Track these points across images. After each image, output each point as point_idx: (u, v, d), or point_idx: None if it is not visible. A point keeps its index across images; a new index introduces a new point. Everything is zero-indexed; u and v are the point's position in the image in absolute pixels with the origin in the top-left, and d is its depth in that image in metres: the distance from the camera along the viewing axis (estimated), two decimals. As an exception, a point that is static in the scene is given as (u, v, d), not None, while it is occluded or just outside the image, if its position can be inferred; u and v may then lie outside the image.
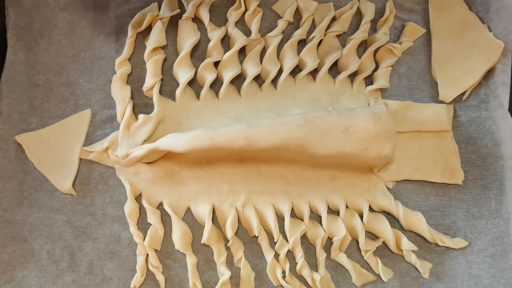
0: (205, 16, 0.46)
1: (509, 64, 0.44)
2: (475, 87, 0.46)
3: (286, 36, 0.47)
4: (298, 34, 0.46)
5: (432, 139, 0.45)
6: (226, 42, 0.46)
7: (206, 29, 0.46)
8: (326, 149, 0.39)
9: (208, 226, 0.41)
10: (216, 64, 0.45)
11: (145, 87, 0.44)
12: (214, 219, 0.42)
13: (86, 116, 0.44)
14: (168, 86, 0.45)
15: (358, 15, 0.48)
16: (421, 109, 0.45)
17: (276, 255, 0.42)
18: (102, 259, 0.41)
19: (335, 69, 0.46)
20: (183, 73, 0.44)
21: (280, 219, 0.43)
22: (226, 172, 0.43)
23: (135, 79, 0.45)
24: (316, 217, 0.43)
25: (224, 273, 0.41)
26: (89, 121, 0.44)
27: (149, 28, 0.46)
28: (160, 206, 0.42)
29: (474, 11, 0.47)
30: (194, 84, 0.45)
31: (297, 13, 0.47)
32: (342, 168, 0.43)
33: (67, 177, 0.42)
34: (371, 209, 0.43)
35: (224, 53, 0.45)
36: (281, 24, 0.46)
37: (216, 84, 0.45)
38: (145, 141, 0.42)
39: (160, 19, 0.45)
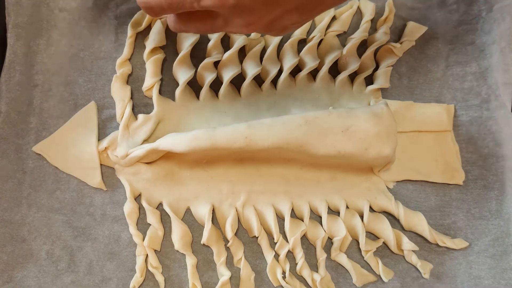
0: (205, 15, 0.46)
1: None
2: (476, 86, 0.45)
3: (286, 35, 0.47)
4: (298, 33, 0.46)
5: (433, 139, 0.45)
6: (226, 41, 0.46)
7: (206, 29, 0.46)
8: (326, 149, 0.39)
9: (208, 226, 0.41)
10: (216, 64, 0.45)
11: (144, 87, 0.44)
12: (214, 219, 0.42)
13: (92, 108, 0.44)
14: (167, 86, 0.45)
15: (359, 14, 0.48)
16: (421, 109, 0.45)
17: (276, 256, 0.41)
18: (102, 259, 0.41)
19: (335, 69, 0.46)
20: (182, 73, 0.44)
21: (280, 219, 0.42)
22: (226, 172, 0.43)
23: (134, 79, 0.45)
24: (316, 217, 0.43)
25: (224, 274, 0.40)
26: (97, 112, 0.44)
27: (148, 28, 0.45)
28: (159, 206, 0.42)
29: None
30: (194, 84, 0.45)
31: (297, 13, 0.47)
32: (342, 168, 0.43)
33: (93, 171, 0.42)
34: (371, 209, 0.43)
35: (224, 53, 0.45)
36: (281, 24, 0.46)
37: (216, 84, 0.45)
38: (145, 141, 0.42)
39: (160, 18, 0.45)
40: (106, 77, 0.45)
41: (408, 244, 0.41)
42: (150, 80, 0.44)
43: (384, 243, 0.42)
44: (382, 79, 0.45)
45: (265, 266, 0.41)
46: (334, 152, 0.39)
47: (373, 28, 0.47)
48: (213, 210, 0.42)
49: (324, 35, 0.46)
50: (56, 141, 0.43)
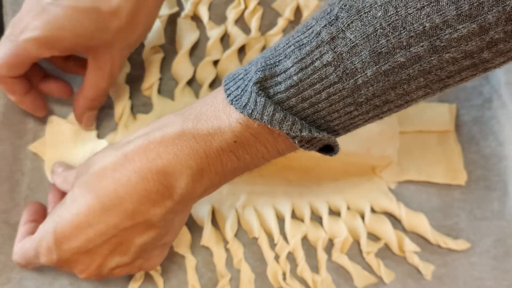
0: (204, 14, 0.45)
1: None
2: (479, 86, 0.45)
3: (286, 34, 0.46)
4: (299, 32, 0.45)
5: (435, 139, 0.44)
6: (225, 40, 0.46)
7: (205, 28, 0.46)
8: (327, 150, 0.38)
9: (207, 227, 0.40)
10: (216, 63, 0.45)
11: (143, 87, 0.44)
12: (214, 220, 0.42)
13: None
14: (166, 85, 0.45)
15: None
16: (423, 109, 0.45)
17: (277, 257, 0.41)
18: (100, 260, 0.41)
19: (336, 68, 0.46)
20: (182, 72, 0.43)
21: (280, 220, 0.42)
22: (225, 172, 0.42)
23: (133, 79, 0.44)
24: (317, 218, 0.43)
25: (223, 275, 0.40)
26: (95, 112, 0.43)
27: (147, 27, 0.45)
28: (158, 207, 0.42)
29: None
30: (193, 83, 0.45)
31: (298, 11, 0.47)
32: (344, 168, 0.42)
33: None
34: (372, 210, 0.43)
35: (224, 52, 0.44)
36: (281, 23, 0.46)
37: (215, 84, 0.45)
38: (144, 141, 0.42)
39: (159, 17, 0.45)
40: (104, 77, 0.44)
41: (409, 245, 0.41)
42: (149, 80, 0.43)
43: (385, 244, 0.42)
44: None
45: (265, 268, 0.41)
46: (335, 152, 0.38)
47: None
48: (213, 211, 0.42)
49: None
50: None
